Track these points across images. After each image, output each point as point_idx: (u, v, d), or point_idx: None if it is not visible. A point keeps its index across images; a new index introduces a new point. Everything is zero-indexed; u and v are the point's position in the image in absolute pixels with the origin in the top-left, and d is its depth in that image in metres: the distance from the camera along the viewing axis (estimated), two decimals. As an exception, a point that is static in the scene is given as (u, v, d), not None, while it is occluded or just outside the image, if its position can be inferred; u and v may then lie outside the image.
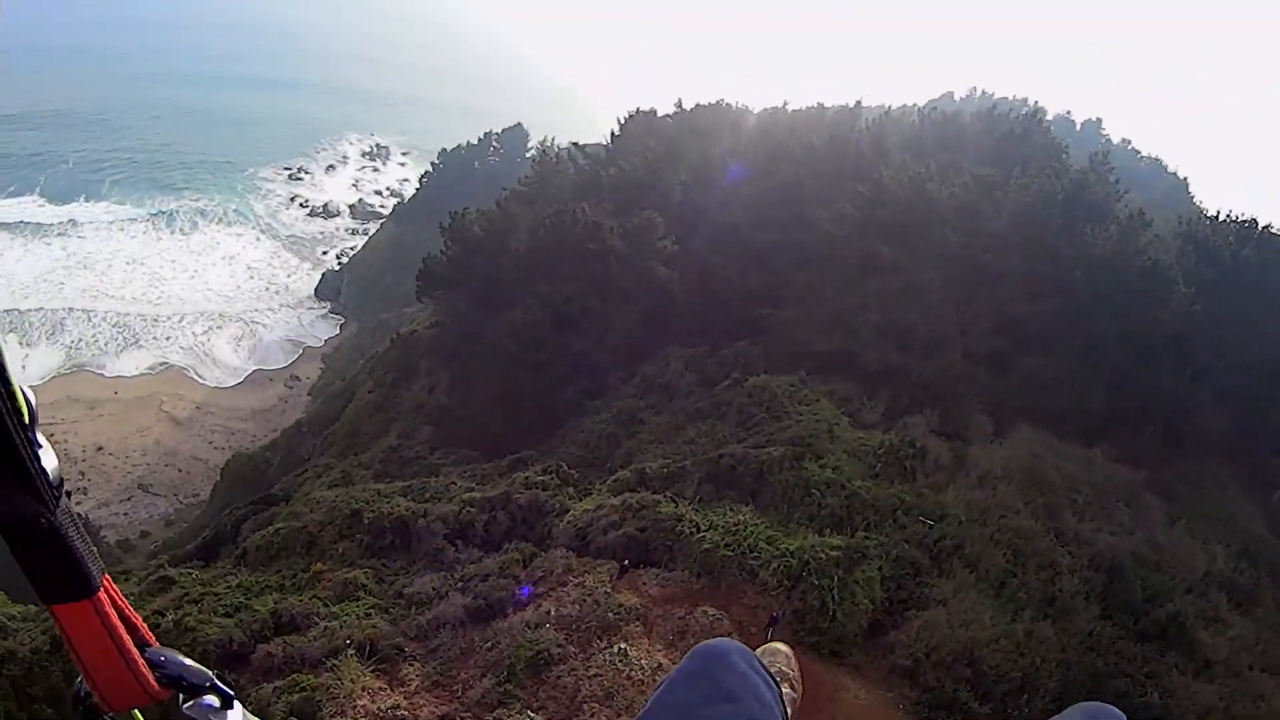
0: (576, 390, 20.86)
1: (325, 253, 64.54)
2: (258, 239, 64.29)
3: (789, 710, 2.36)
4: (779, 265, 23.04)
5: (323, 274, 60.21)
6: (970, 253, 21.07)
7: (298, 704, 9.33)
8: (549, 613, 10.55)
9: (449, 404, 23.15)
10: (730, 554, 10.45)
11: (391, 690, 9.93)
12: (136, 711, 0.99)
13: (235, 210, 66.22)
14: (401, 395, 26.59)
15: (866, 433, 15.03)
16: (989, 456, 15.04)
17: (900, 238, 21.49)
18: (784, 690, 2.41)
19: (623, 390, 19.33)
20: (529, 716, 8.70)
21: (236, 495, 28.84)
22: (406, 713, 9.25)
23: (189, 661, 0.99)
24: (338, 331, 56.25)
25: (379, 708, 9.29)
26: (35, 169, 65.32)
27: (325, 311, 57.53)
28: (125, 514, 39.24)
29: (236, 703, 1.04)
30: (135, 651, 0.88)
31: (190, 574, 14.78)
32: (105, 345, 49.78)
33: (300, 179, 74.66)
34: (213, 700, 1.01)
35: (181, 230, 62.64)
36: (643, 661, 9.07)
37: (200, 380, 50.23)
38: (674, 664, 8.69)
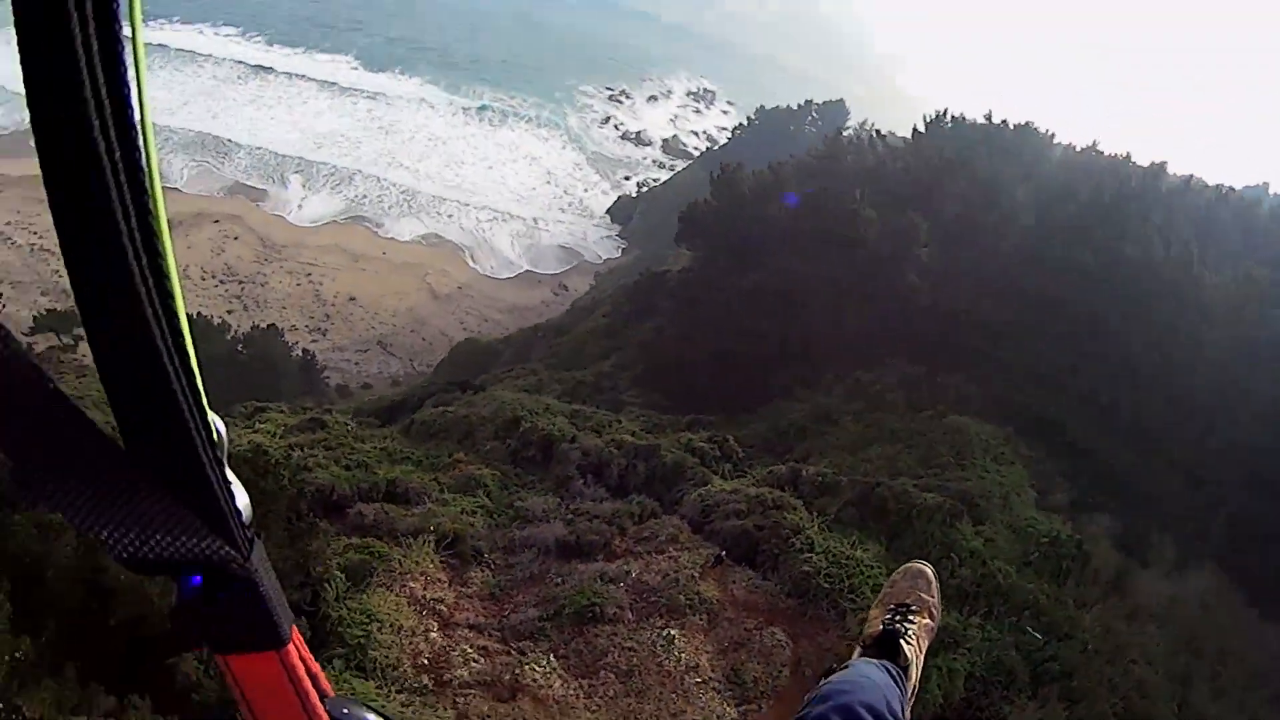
0: (790, 374, 20.96)
1: (627, 178, 68.78)
2: (563, 147, 70.03)
3: (923, 644, 2.75)
4: (1022, 304, 22.42)
5: (619, 197, 64.55)
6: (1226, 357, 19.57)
7: (355, 563, 10.38)
8: (630, 574, 10.77)
9: (666, 349, 24.06)
10: (828, 585, 10.06)
11: (448, 585, 10.73)
12: None
13: (548, 115, 72.22)
14: (631, 328, 28.11)
15: (1044, 514, 13.89)
16: (1155, 590, 13.52)
17: (1141, 316, 20.51)
18: (923, 621, 2.79)
19: (833, 388, 19.08)
20: (547, 660, 9.03)
21: (455, 373, 32.23)
22: (445, 609, 9.96)
23: (371, 709, 1.01)
24: (618, 255, 59.88)
25: (423, 594, 10.10)
26: (355, 35, 74.35)
27: (612, 233, 61.32)
28: (357, 364, 44.62)
29: None
30: (320, 707, 0.89)
31: (345, 424, 16.70)
32: (387, 207, 56.55)
33: (620, 102, 79.80)
34: None
35: (490, 122, 69.78)
36: (683, 655, 9.08)
37: (471, 263, 55.58)
38: (711, 668, 8.63)
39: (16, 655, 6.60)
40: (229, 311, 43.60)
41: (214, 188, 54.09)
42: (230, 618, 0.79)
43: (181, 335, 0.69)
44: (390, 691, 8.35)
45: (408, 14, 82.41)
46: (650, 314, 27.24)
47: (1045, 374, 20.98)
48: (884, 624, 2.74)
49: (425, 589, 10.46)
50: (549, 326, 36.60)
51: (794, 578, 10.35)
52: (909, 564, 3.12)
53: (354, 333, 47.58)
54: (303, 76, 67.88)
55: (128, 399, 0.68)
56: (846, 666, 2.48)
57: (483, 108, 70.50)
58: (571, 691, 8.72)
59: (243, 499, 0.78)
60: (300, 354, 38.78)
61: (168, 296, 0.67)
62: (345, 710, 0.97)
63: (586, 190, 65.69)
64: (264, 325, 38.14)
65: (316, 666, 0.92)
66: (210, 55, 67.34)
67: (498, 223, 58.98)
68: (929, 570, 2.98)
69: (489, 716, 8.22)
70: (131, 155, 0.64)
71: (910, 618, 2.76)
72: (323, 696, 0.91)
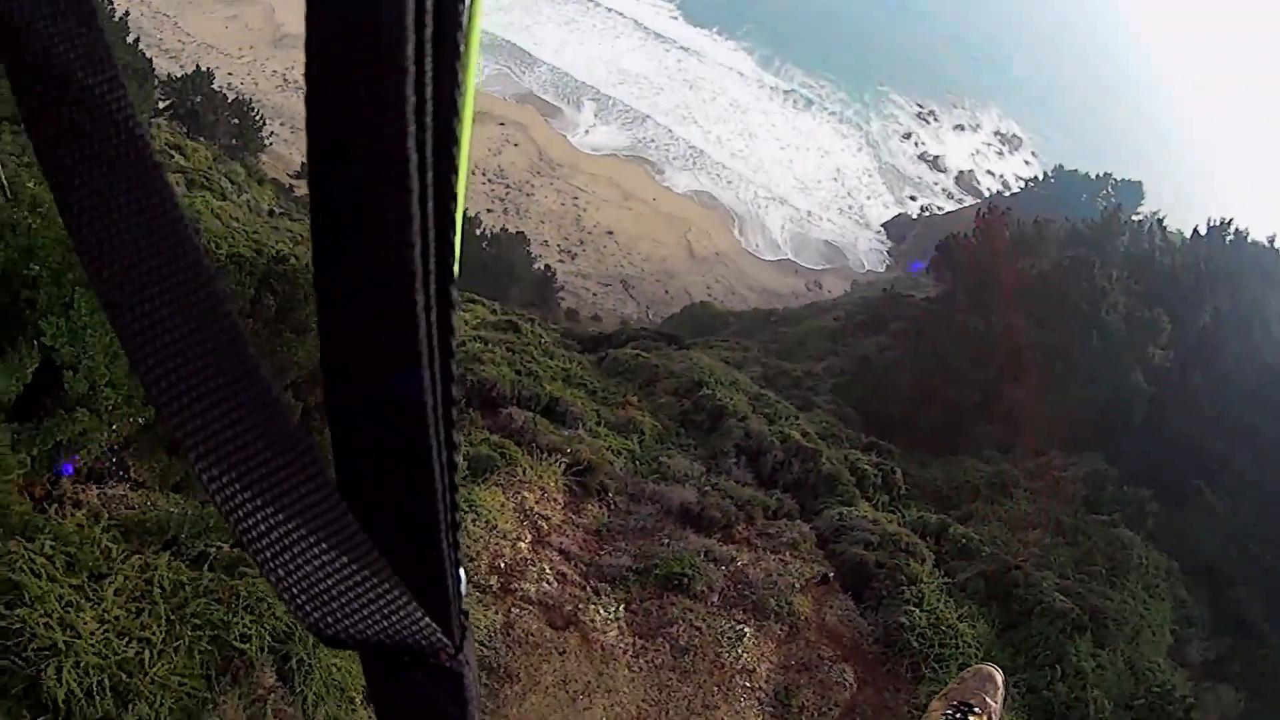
0: (987, 431, 19.56)
1: (913, 198, 66.39)
2: (858, 150, 68.22)
3: None
4: (1247, 446, 20.57)
5: (899, 214, 62.43)
6: None
7: (481, 456, 10.65)
8: (735, 561, 10.38)
9: (877, 368, 23.28)
10: (917, 645, 9.17)
11: (561, 507, 10.80)
12: None
13: (852, 114, 70.22)
14: (854, 338, 27.64)
15: (1171, 664, 12.26)
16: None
17: None
18: None
19: (1022, 460, 17.55)
20: (616, 608, 8.87)
21: (681, 330, 32.74)
22: (546, 527, 10.01)
23: None
24: (881, 270, 57.99)
25: (532, 506, 10.22)
26: None
27: (882, 248, 59.45)
28: (595, 296, 46.04)
29: None
30: None
31: (539, 335, 17.20)
32: (671, 157, 57.31)
33: (926, 122, 76.58)
34: None
35: (794, 105, 68.56)
36: (745, 656, 8.61)
37: (736, 234, 55.63)
38: (765, 678, 8.10)
39: (140, 420, 7.22)
40: (488, 210, 46.25)
41: (508, 92, 56.53)
42: (421, 712, 0.67)
43: (451, 355, 0.57)
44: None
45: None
46: (878, 331, 26.52)
47: (1243, 530, 18.85)
48: (946, 717, 2.73)
49: (537, 503, 10.55)
50: (783, 314, 36.18)
51: (888, 625, 9.56)
52: (981, 665, 3.12)
53: (602, 265, 49.02)
54: (621, 14, 69.25)
55: (368, 421, 0.57)
56: None
57: (791, 90, 69.68)
58: (622, 645, 8.49)
59: (465, 582, 0.67)
60: (542, 269, 40.49)
61: (447, 305, 0.56)
62: None
63: (869, 198, 63.74)
64: (513, 231, 40.09)
65: None
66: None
67: (774, 204, 58.52)
68: (999, 677, 2.96)
69: (533, 635, 8.16)
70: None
71: (970, 718, 2.72)
72: None
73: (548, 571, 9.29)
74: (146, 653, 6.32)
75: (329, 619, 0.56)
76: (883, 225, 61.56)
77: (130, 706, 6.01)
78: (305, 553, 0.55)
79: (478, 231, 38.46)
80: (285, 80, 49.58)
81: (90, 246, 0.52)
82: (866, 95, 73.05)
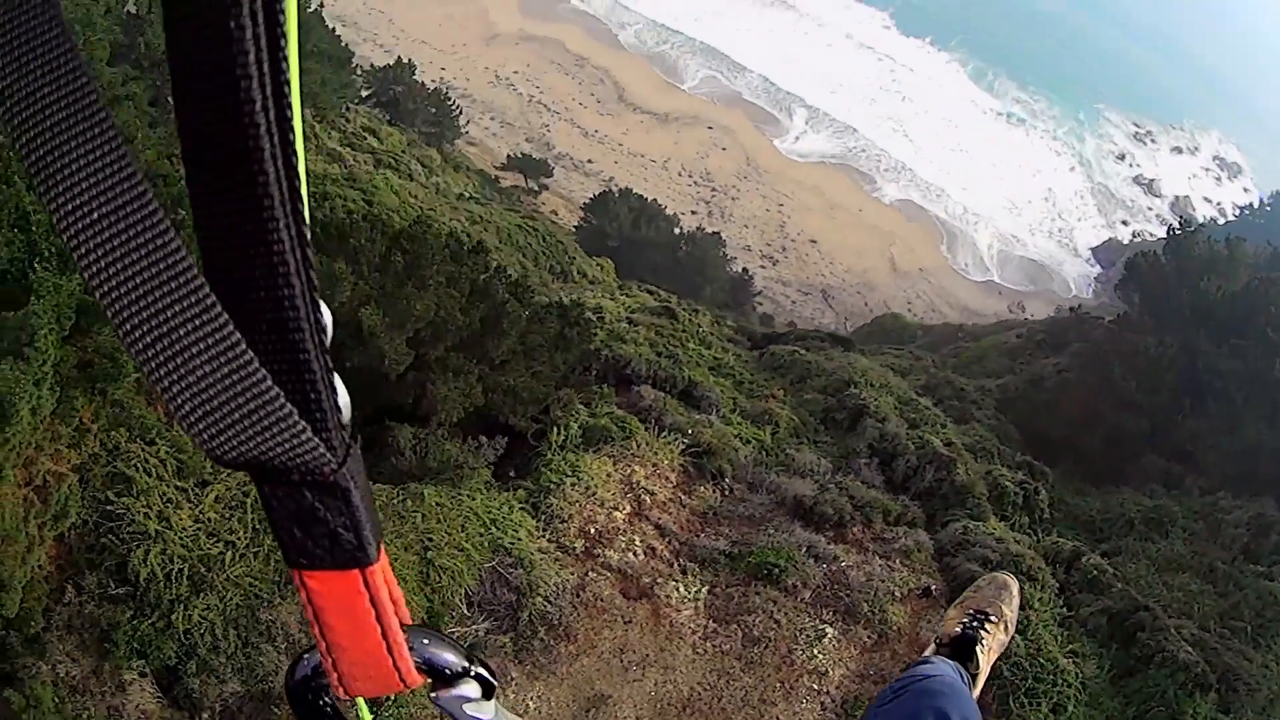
0: (1156, 465, 17.39)
1: (1125, 222, 60.18)
2: (1071, 170, 62.64)
3: (993, 656, 2.74)
4: None
5: (1109, 238, 56.91)
6: None
7: (599, 428, 10.68)
8: (838, 561, 9.83)
9: (1047, 387, 21.62)
10: (1009, 675, 8.20)
11: (672, 486, 10.64)
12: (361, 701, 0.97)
13: (1065, 132, 64.53)
14: (1032, 356, 26.12)
15: None
16: None
17: None
18: (998, 634, 2.79)
19: (1189, 499, 15.42)
20: (697, 589, 8.61)
21: (870, 340, 31.74)
22: (648, 501, 9.88)
23: (449, 642, 0.97)
24: (1089, 295, 53.38)
25: (640, 480, 10.17)
26: None
27: (1089, 273, 54.81)
28: (793, 303, 45.18)
29: (496, 695, 1.01)
30: (400, 633, 0.82)
31: (695, 325, 17.08)
32: (880, 167, 55.03)
33: (1143, 143, 68.88)
34: (471, 691, 0.97)
35: (1006, 120, 63.78)
36: (820, 658, 8.08)
37: (943, 250, 52.98)
38: (837, 684, 7.58)
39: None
40: (692, 211, 46.18)
41: (717, 96, 55.82)
42: (313, 529, 0.70)
43: (298, 182, 0.59)
44: (540, 536, 8.50)
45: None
46: (1058, 350, 24.36)
47: None
48: (963, 626, 2.72)
49: (646, 478, 10.41)
50: (971, 329, 34.14)
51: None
52: (996, 574, 3.09)
53: (803, 273, 47.93)
54: (824, 24, 66.16)
55: (225, 243, 0.59)
56: (928, 662, 2.52)
57: (1005, 107, 65.03)
58: (693, 625, 8.20)
59: (344, 397, 0.69)
60: (740, 271, 40.11)
61: (287, 126, 0.58)
62: (425, 641, 0.92)
63: (1079, 221, 58.32)
64: (711, 231, 39.96)
65: (399, 592, 0.83)
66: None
67: (982, 222, 55.16)
68: (1014, 586, 2.97)
69: (602, 600, 8.05)
70: None
71: (987, 626, 2.73)
72: (403, 625, 0.83)
73: (637, 543, 9.15)
74: (229, 554, 6.79)
75: (220, 441, 0.58)
76: (1092, 249, 56.47)
77: (201, 595, 6.46)
78: (199, 380, 0.56)
79: (676, 231, 38.68)
80: (497, 77, 51.36)
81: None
82: (1081, 113, 66.72)
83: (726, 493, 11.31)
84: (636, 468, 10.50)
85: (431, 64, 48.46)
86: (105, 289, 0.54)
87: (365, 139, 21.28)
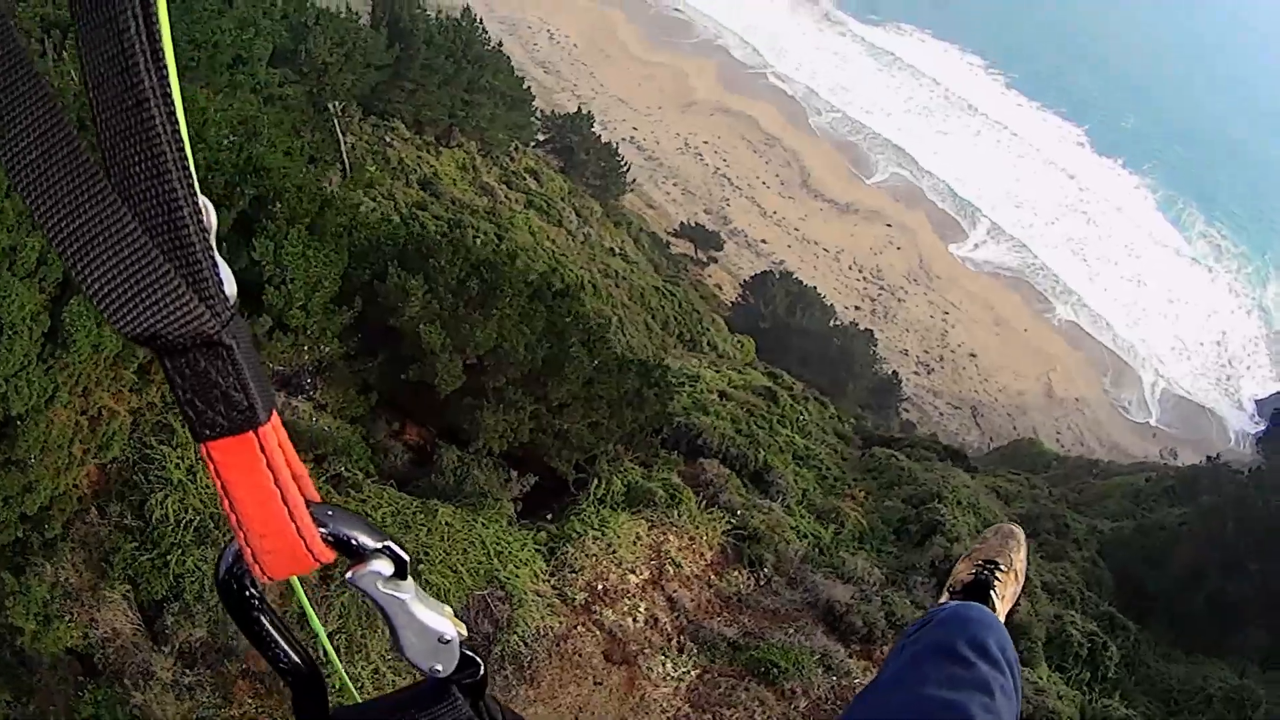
0: (1262, 640, 15.33)
1: None
2: (1248, 314, 56.23)
3: (1005, 606, 2.71)
4: None
5: (1276, 391, 50.77)
6: None
7: (643, 491, 10.66)
8: (849, 675, 9.27)
9: (1153, 534, 19.85)
10: None
11: (704, 564, 10.45)
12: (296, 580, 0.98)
13: (1248, 275, 58.15)
14: (1158, 503, 24.31)
15: None
16: None
17: None
18: (1009, 582, 2.76)
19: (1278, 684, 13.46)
20: (688, 671, 8.40)
21: (1001, 462, 30.00)
22: (671, 573, 9.75)
23: (360, 519, 0.93)
24: (1245, 449, 48.10)
25: (670, 550, 10.07)
26: (1093, 108, 66.15)
27: (1251, 427, 49.28)
28: (941, 415, 43.31)
29: (410, 574, 0.99)
30: (300, 499, 0.82)
31: (797, 411, 16.66)
32: (1055, 290, 51.97)
33: None
34: (384, 567, 0.94)
35: (1194, 259, 58.36)
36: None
37: (1105, 384, 49.45)
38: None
39: (342, 350, 8.23)
40: (856, 307, 45.15)
41: (900, 194, 54.53)
42: (204, 389, 0.74)
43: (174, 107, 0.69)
44: (544, 579, 8.48)
45: (1156, 106, 71.08)
46: (1187, 500, 22.01)
47: None
48: (975, 574, 2.68)
49: (678, 550, 10.19)
50: (1105, 467, 31.48)
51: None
52: (1001, 523, 3.08)
53: (957, 386, 45.77)
54: (1018, 135, 63.55)
55: (118, 149, 0.68)
56: (946, 608, 2.36)
57: (1191, 257, 59.76)
58: (664, 705, 7.87)
59: (226, 272, 0.75)
60: (890, 373, 38.86)
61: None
62: (331, 513, 0.88)
63: (1249, 369, 52.57)
64: (865, 328, 38.96)
65: (302, 469, 0.85)
66: (932, 78, 65.72)
67: (1148, 360, 51.02)
68: (1021, 534, 2.93)
69: (580, 655, 7.89)
70: None
71: (998, 574, 2.67)
72: (309, 501, 0.85)
73: (641, 610, 8.94)
74: (238, 519, 7.25)
75: (124, 314, 0.66)
76: (1256, 401, 50.76)
77: (201, 548, 6.91)
78: (105, 262, 0.65)
79: (831, 323, 37.89)
80: (686, 144, 51.94)
81: None
82: (1269, 253, 60.26)
83: (761, 582, 10.87)
84: (671, 537, 10.30)
85: (624, 121, 49.97)
86: (35, 206, 0.64)
87: (525, 179, 22.25)
